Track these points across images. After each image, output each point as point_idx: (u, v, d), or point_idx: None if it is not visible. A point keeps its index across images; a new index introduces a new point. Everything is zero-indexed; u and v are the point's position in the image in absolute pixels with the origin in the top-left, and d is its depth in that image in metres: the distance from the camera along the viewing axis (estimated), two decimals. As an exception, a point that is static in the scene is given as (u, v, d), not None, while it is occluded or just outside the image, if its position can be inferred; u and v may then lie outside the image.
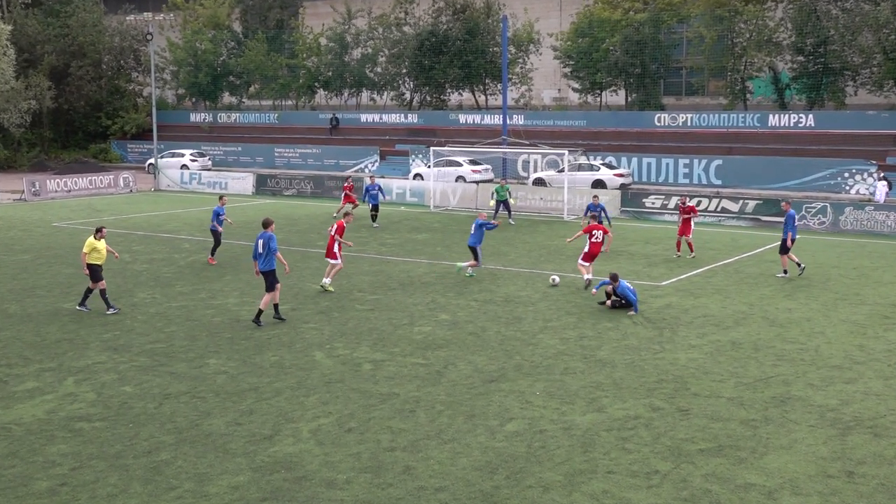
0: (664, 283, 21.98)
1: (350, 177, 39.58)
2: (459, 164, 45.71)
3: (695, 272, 23.47)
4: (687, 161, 44.99)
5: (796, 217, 22.92)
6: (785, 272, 22.70)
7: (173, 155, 56.40)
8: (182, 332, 17.11)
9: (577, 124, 51.88)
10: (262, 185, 45.65)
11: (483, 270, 23.47)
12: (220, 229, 24.68)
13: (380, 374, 14.42)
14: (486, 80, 59.39)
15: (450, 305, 19.34)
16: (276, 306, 17.69)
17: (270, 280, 17.33)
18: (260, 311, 17.42)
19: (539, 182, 43.29)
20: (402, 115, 58.31)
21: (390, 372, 14.50)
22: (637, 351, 15.76)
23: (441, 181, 41.31)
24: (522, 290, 20.99)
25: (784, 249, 22.68)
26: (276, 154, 58.22)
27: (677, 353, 15.64)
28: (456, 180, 44.19)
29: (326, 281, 20.58)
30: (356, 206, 34.59)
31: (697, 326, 17.53)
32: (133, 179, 46.94)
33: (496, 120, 52.58)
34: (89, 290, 18.63)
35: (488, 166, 45.79)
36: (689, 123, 48.60)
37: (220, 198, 25.46)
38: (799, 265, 22.74)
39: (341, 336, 16.75)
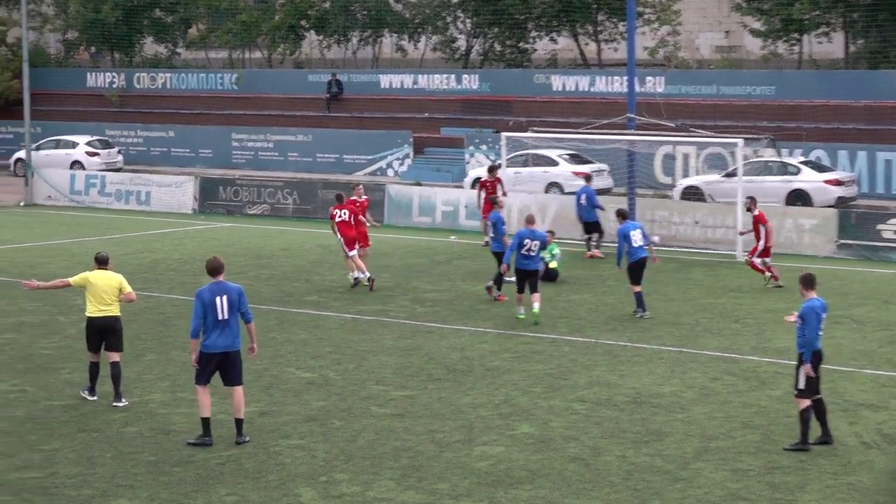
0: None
1: (492, 179, 36.45)
2: (553, 163, 45.80)
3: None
4: (960, 158, 44.65)
5: None
6: None
7: (58, 145, 57.10)
8: (71, 450, 17.19)
9: (759, 93, 51.62)
10: (211, 198, 46.09)
11: (595, 347, 23.33)
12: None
13: (414, 528, 14.40)
14: (599, 18, 59.53)
15: (536, 409, 19.26)
16: (238, 421, 17.73)
17: (238, 367, 17.52)
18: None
19: (692, 193, 43.09)
20: (453, 76, 58.55)
21: (432, 525, 14.48)
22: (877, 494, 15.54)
23: (521, 191, 41.31)
24: (664, 384, 20.86)
25: None
26: (234, 144, 58.81)
27: (944, 498, 15.39)
28: (547, 190, 44.23)
29: (364, 275, 28.96)
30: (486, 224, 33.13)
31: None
32: (-11, 187, 47.82)
33: (617, 86, 52.56)
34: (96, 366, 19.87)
35: (604, 167, 45.69)
36: (961, 91, 48.22)
37: (495, 201, 29.45)
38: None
39: (347, 461, 16.75)
